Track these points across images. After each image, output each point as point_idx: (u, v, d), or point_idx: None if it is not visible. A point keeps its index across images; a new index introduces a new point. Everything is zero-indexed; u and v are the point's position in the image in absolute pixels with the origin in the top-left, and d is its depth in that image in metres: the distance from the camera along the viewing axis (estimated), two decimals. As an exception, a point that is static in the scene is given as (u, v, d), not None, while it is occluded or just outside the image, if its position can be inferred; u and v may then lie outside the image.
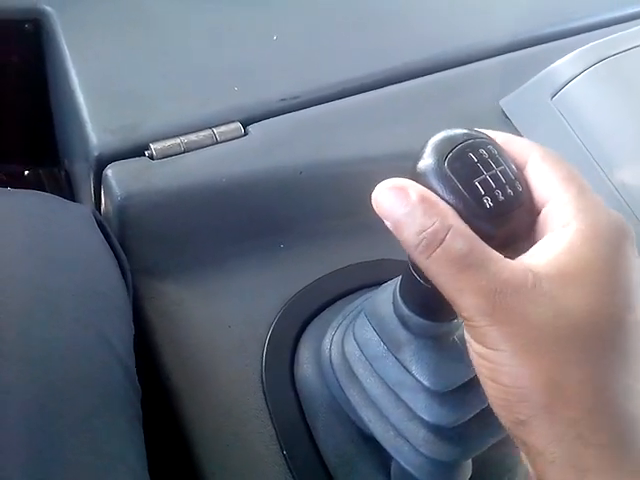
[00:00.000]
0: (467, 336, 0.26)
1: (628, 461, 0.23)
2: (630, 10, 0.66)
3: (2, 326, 0.33)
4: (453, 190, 0.25)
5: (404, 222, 0.25)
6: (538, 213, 0.27)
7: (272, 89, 0.51)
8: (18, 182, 0.77)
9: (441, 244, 0.24)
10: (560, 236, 0.25)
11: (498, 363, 0.24)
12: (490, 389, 0.25)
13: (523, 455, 0.26)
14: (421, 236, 0.25)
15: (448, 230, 0.24)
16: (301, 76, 0.53)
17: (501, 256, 0.25)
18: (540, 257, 0.25)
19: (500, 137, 0.28)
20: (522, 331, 0.24)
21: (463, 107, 0.55)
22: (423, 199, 0.25)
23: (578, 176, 0.26)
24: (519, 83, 0.56)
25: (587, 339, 0.24)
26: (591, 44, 0.54)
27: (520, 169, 0.27)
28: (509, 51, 0.60)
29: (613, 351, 0.24)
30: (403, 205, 0.25)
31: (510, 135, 0.28)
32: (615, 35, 0.55)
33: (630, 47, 0.53)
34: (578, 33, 0.63)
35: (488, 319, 0.24)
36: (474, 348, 0.25)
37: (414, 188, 0.25)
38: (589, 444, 0.23)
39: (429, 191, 0.25)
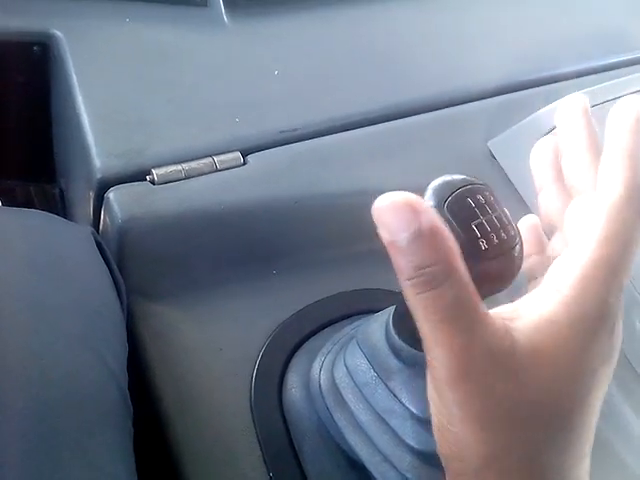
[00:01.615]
0: (428, 376, 0.25)
1: None
2: (619, 58, 0.69)
3: (6, 340, 0.34)
4: (451, 231, 0.26)
5: (406, 248, 0.22)
6: (550, 256, 0.27)
7: (272, 121, 0.53)
8: (9, 198, 0.77)
9: (436, 288, 0.22)
10: (549, 303, 0.24)
11: (446, 420, 0.24)
12: (435, 433, 0.25)
13: None
14: (420, 272, 0.22)
15: (449, 276, 0.22)
16: (300, 110, 0.55)
17: (487, 313, 0.23)
18: (522, 320, 0.24)
19: (609, 148, 0.26)
20: (479, 400, 0.23)
21: (452, 146, 0.57)
22: (434, 232, 0.22)
23: (619, 241, 0.24)
24: (507, 126, 0.58)
25: (541, 420, 0.23)
26: (579, 92, 0.56)
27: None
28: (499, 94, 0.62)
29: (562, 435, 0.24)
30: (411, 229, 0.22)
31: (618, 154, 0.25)
32: (601, 85, 0.58)
33: (615, 97, 0.56)
34: (566, 79, 0.65)
35: (451, 378, 0.23)
36: (430, 393, 0.25)
37: (427, 215, 0.22)
38: None
39: (440, 222, 0.23)
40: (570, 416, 0.24)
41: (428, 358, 0.24)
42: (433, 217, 0.22)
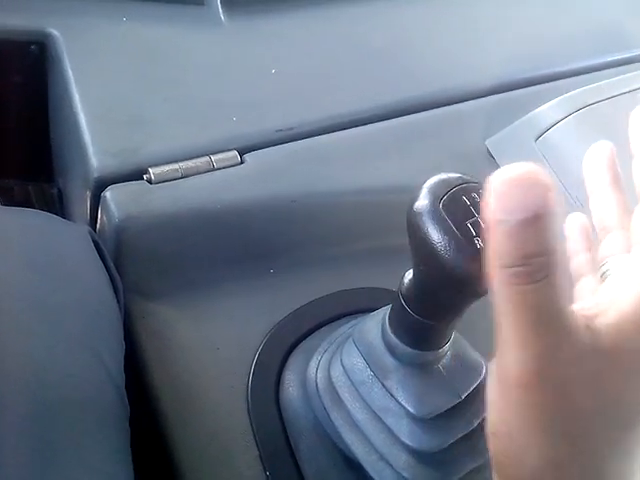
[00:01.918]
0: (493, 378, 0.23)
1: None
2: (617, 56, 0.69)
3: (4, 340, 0.34)
4: (446, 230, 0.26)
5: (520, 232, 0.19)
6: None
7: (269, 120, 0.53)
8: (7, 197, 0.77)
9: (539, 281, 0.20)
10: (632, 295, 0.22)
11: (509, 426, 0.22)
12: (490, 438, 0.24)
13: None
14: (527, 261, 0.19)
15: (554, 270, 0.20)
16: (297, 109, 0.55)
17: (573, 312, 0.21)
18: (604, 319, 0.22)
19: None
20: (555, 407, 0.21)
21: (450, 144, 0.57)
22: (552, 215, 0.19)
23: None
24: (505, 124, 0.58)
25: (613, 431, 0.22)
26: (575, 91, 0.56)
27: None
28: (496, 92, 0.62)
29: (627, 441, 0.22)
30: (534, 210, 0.19)
31: None
32: (599, 83, 0.58)
33: (612, 95, 0.56)
34: (563, 77, 0.65)
35: (528, 380, 0.21)
36: (492, 396, 0.23)
37: (552, 197, 0.19)
38: None
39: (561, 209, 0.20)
40: (634, 429, 0.22)
41: (501, 356, 0.22)
42: (557, 200, 0.19)
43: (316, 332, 0.45)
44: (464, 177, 0.28)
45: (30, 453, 0.31)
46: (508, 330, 0.21)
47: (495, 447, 0.24)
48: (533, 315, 0.20)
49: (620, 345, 0.21)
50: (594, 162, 0.32)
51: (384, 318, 0.35)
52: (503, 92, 0.62)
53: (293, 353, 0.45)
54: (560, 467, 0.22)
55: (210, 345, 0.45)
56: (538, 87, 0.63)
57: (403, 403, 0.33)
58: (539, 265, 0.19)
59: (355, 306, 0.47)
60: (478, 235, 0.26)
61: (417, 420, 0.33)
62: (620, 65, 0.67)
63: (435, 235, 0.26)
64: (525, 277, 0.20)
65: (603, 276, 0.27)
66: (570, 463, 0.22)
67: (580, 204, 0.52)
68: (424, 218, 0.27)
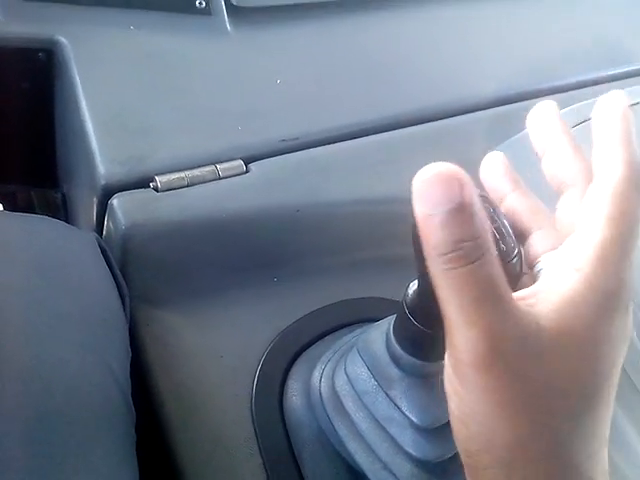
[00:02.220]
0: (448, 368, 0.25)
1: None
2: (620, 70, 0.70)
3: (7, 346, 0.34)
4: None
5: (446, 221, 0.22)
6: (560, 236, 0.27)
7: (274, 130, 0.54)
8: (10, 203, 0.78)
9: (472, 263, 0.22)
10: (569, 282, 0.24)
11: (470, 410, 0.23)
12: (455, 427, 0.25)
13: None
14: (458, 246, 0.22)
15: (484, 253, 0.22)
16: (302, 119, 0.55)
17: (513, 297, 0.23)
18: (545, 303, 0.24)
19: (601, 137, 0.26)
20: (509, 384, 0.23)
21: (453, 157, 0.57)
22: (472, 207, 0.22)
23: (632, 217, 0.24)
24: (505, 137, 0.59)
25: (569, 403, 0.23)
26: (576, 105, 0.57)
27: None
28: (499, 105, 0.62)
29: (588, 416, 0.24)
30: (455, 201, 0.21)
31: (612, 140, 0.26)
32: (598, 98, 0.58)
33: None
34: (564, 91, 0.66)
35: (480, 360, 0.22)
36: (451, 385, 0.24)
37: (469, 188, 0.22)
38: None
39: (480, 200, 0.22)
40: (595, 396, 0.24)
41: (451, 343, 0.23)
42: (475, 189, 0.22)
43: (320, 341, 0.46)
44: None
45: (34, 458, 0.31)
46: (453, 315, 0.23)
47: (461, 437, 0.24)
48: (475, 293, 0.22)
49: (563, 327, 0.23)
50: (492, 171, 0.32)
51: (389, 328, 0.35)
52: (504, 105, 0.62)
53: (297, 362, 0.45)
54: (527, 446, 0.23)
55: (214, 353, 0.45)
56: (539, 100, 0.63)
57: (407, 413, 0.34)
58: (471, 247, 0.22)
59: (359, 315, 0.47)
60: None
61: (421, 430, 0.33)
62: (621, 79, 0.68)
63: None
64: (461, 259, 0.22)
65: (537, 274, 0.27)
66: (535, 441, 0.23)
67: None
68: None
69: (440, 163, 0.22)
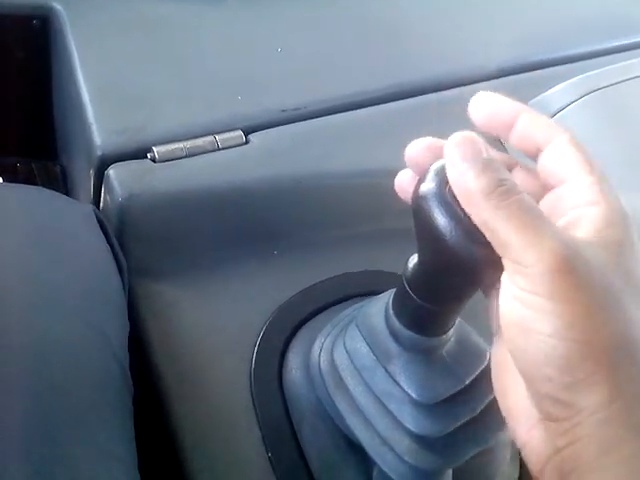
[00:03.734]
0: (519, 291, 0.25)
1: None
2: (628, 40, 0.68)
3: (7, 318, 0.34)
4: (453, 215, 0.26)
5: (482, 169, 0.25)
6: (548, 191, 0.28)
7: (274, 100, 0.53)
8: (11, 174, 0.77)
9: (519, 194, 0.25)
10: (593, 213, 0.25)
11: (563, 317, 0.23)
12: (545, 345, 0.24)
13: (552, 426, 0.25)
14: (501, 183, 0.25)
15: (521, 190, 0.25)
16: (303, 88, 0.54)
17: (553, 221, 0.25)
18: (582, 230, 0.25)
19: (527, 116, 0.28)
20: (592, 283, 0.23)
21: (458, 127, 0.56)
22: (498, 160, 0.26)
23: (598, 164, 0.27)
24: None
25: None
26: (584, 75, 0.56)
27: (539, 149, 0.28)
28: (506, 75, 0.61)
29: None
30: (480, 157, 0.26)
31: (539, 115, 0.29)
32: (607, 68, 0.57)
33: (621, 80, 0.55)
34: (572, 61, 0.64)
35: (559, 265, 0.23)
36: (529, 302, 0.24)
37: (485, 146, 0.26)
38: None
39: None
40: None
41: (516, 267, 0.24)
42: (491, 149, 0.27)
43: (320, 314, 0.45)
44: None
45: (31, 430, 0.31)
46: (516, 241, 0.24)
47: (554, 352, 0.24)
48: (530, 215, 0.24)
49: (609, 240, 0.25)
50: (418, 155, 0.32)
51: (388, 303, 0.34)
52: (513, 75, 0.61)
53: (297, 335, 0.44)
54: (627, 341, 0.24)
55: (213, 326, 0.45)
56: (547, 70, 0.62)
57: (406, 389, 0.33)
58: (512, 184, 0.25)
59: (359, 289, 0.47)
60: None
61: (420, 406, 0.33)
62: (631, 49, 0.67)
63: (441, 219, 0.26)
64: (509, 191, 0.25)
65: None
66: (633, 335, 0.24)
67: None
68: (430, 201, 0.26)
69: (455, 134, 0.27)
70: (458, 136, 0.27)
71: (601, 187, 0.26)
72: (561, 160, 0.27)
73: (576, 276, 0.23)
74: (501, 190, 0.25)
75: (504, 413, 0.28)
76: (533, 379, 0.25)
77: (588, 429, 0.23)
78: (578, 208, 0.26)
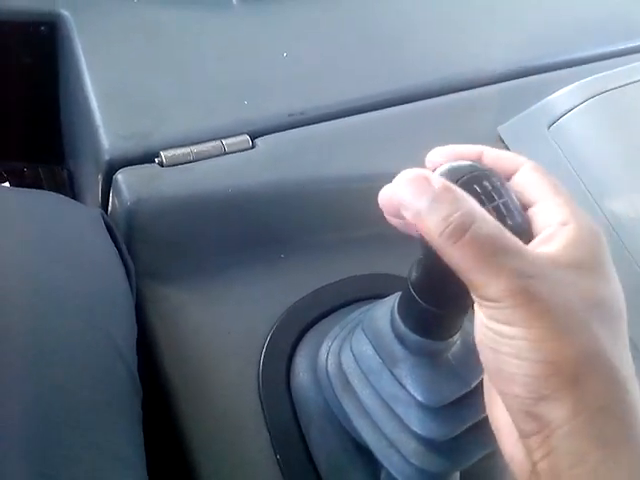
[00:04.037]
0: (483, 318, 0.26)
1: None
2: (630, 44, 0.68)
3: (10, 320, 0.34)
4: None
5: (429, 210, 0.26)
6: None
7: (280, 104, 0.53)
8: (18, 179, 0.78)
9: (469, 228, 0.25)
10: (563, 232, 0.26)
11: (525, 339, 0.25)
12: (512, 367, 0.25)
13: (508, 439, 0.27)
14: (448, 221, 0.25)
15: (475, 217, 0.25)
16: (308, 93, 0.54)
17: (519, 241, 0.26)
18: (552, 248, 0.26)
19: (491, 152, 0.30)
20: (551, 308, 0.24)
21: (462, 131, 0.57)
22: (447, 188, 0.26)
23: (564, 187, 0.29)
24: (518, 111, 0.58)
25: (608, 321, 0.25)
26: (589, 78, 0.56)
27: (508, 178, 0.29)
28: (509, 79, 0.61)
29: (619, 330, 0.26)
30: (427, 193, 0.26)
31: (501, 150, 0.30)
32: (612, 71, 0.57)
33: (626, 83, 0.55)
34: (578, 64, 0.64)
35: (519, 298, 0.24)
36: (495, 329, 0.26)
37: (437, 178, 0.26)
38: (611, 417, 0.24)
39: (450, 182, 0.26)
40: (618, 311, 0.26)
41: (483, 301, 0.26)
42: (442, 179, 0.27)
43: (327, 317, 0.46)
44: (475, 165, 0.28)
45: (36, 434, 0.31)
46: (477, 278, 0.25)
47: (519, 371, 0.25)
48: (486, 250, 0.25)
49: (573, 261, 0.26)
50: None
51: (393, 306, 0.35)
52: (516, 79, 0.61)
53: (304, 338, 0.45)
54: (589, 359, 0.25)
55: (221, 329, 0.45)
56: (551, 74, 0.62)
57: (412, 392, 0.33)
58: (460, 216, 0.25)
59: (366, 292, 0.47)
60: None
61: (426, 409, 0.33)
62: (635, 52, 0.67)
63: None
64: (456, 231, 0.25)
65: None
66: (596, 353, 0.25)
67: (592, 196, 0.52)
68: None
69: (401, 173, 0.27)
70: (407, 174, 0.27)
71: (570, 208, 0.27)
72: (529, 185, 0.28)
73: (536, 305, 0.25)
74: (452, 228, 0.25)
75: (493, 428, 0.29)
76: (505, 396, 0.26)
77: (556, 442, 0.24)
78: (550, 227, 0.27)
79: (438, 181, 0.26)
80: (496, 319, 0.25)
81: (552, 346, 0.24)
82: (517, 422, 0.26)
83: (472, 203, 0.26)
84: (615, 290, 0.27)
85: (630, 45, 0.67)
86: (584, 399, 0.24)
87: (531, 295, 0.24)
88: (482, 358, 0.27)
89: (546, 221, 0.27)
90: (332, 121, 0.54)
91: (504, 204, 0.27)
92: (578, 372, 0.24)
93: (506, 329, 0.25)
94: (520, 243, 0.26)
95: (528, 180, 0.29)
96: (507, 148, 0.57)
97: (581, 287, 0.25)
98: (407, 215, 0.27)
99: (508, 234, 0.26)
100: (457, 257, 0.26)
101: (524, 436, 0.26)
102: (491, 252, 0.25)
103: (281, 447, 0.41)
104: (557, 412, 0.24)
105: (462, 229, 0.25)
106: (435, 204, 0.26)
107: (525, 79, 0.61)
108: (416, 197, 0.26)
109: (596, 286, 0.26)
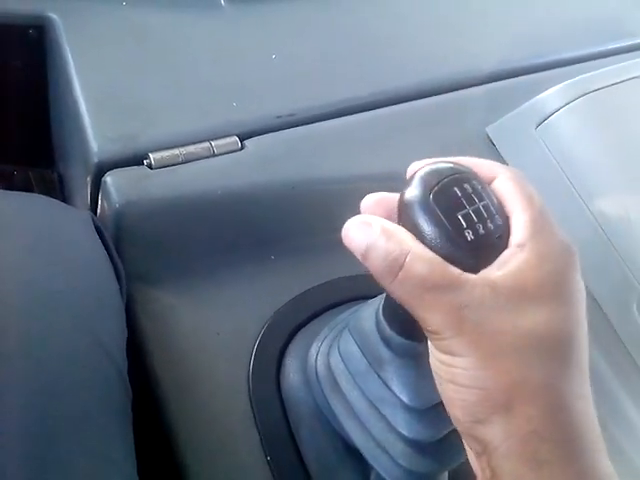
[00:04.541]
0: (431, 347, 0.28)
1: (582, 456, 0.26)
2: (618, 44, 0.69)
3: (2, 325, 0.34)
4: (436, 222, 0.26)
5: (370, 251, 0.28)
6: None
7: (269, 106, 0.53)
8: (7, 182, 0.77)
9: (402, 268, 0.27)
10: (516, 255, 0.27)
11: (463, 368, 0.26)
12: (451, 392, 0.27)
13: (472, 456, 0.28)
14: (386, 261, 0.27)
15: (407, 254, 0.27)
16: (297, 95, 0.55)
17: (460, 271, 0.27)
18: (499, 273, 0.27)
19: (470, 160, 0.30)
20: (486, 339, 0.26)
21: (451, 131, 0.57)
22: (384, 229, 0.28)
23: (538, 197, 0.29)
24: (506, 111, 0.58)
25: (545, 348, 0.26)
26: (576, 78, 0.56)
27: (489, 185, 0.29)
28: (498, 79, 0.61)
29: (565, 360, 0.27)
30: (369, 236, 0.28)
31: (479, 159, 0.31)
32: (599, 71, 0.57)
33: (613, 83, 0.56)
34: (565, 65, 0.65)
35: (454, 331, 0.26)
36: (437, 357, 0.28)
37: (377, 221, 0.28)
38: (544, 439, 0.25)
39: (389, 222, 0.28)
40: (571, 341, 0.27)
41: (429, 333, 0.27)
42: (381, 220, 0.28)
43: (317, 319, 0.46)
44: (456, 167, 0.28)
45: (27, 438, 0.31)
46: (416, 311, 0.27)
47: (456, 395, 0.27)
48: (421, 287, 0.26)
49: (517, 287, 0.26)
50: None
51: (378, 308, 0.35)
52: (504, 79, 0.62)
53: (294, 339, 0.45)
54: (521, 386, 0.26)
55: (211, 331, 0.45)
56: (539, 74, 0.63)
57: (398, 394, 0.33)
58: (394, 258, 0.27)
59: (356, 293, 0.47)
60: (468, 227, 0.26)
61: (412, 411, 0.33)
62: (621, 53, 0.67)
63: (425, 226, 0.27)
64: (392, 270, 0.27)
65: None
66: (528, 381, 0.26)
67: (579, 195, 0.53)
68: (414, 209, 0.27)
69: (352, 219, 0.30)
70: (352, 220, 0.29)
71: (533, 227, 0.27)
72: (504, 195, 0.29)
73: (469, 335, 0.26)
74: (389, 267, 0.27)
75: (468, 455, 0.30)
76: (453, 420, 0.28)
77: (496, 462, 0.26)
78: (508, 249, 0.27)
79: (377, 224, 0.28)
80: (438, 348, 0.27)
81: (484, 374, 0.26)
82: (466, 442, 0.28)
83: (405, 238, 0.27)
84: (566, 316, 0.27)
85: (616, 45, 0.68)
86: (517, 423, 0.26)
87: (465, 326, 0.26)
88: (435, 382, 0.29)
89: (511, 239, 0.28)
90: (321, 122, 0.54)
91: (484, 207, 0.27)
92: (511, 397, 0.26)
93: (446, 358, 0.27)
94: (457, 272, 0.26)
95: (503, 190, 0.29)
96: (495, 148, 0.57)
97: (519, 314, 0.26)
98: (356, 255, 0.29)
99: (443, 266, 0.26)
100: (397, 294, 0.28)
101: (474, 454, 0.28)
102: (425, 288, 0.26)
103: (271, 448, 0.41)
104: (493, 434, 0.26)
105: (396, 267, 0.27)
106: (375, 246, 0.28)
107: (513, 79, 0.62)
108: (361, 241, 0.28)
109: (540, 313, 0.26)
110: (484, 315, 0.26)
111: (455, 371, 0.27)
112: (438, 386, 0.28)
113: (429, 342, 0.28)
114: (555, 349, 0.26)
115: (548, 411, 0.26)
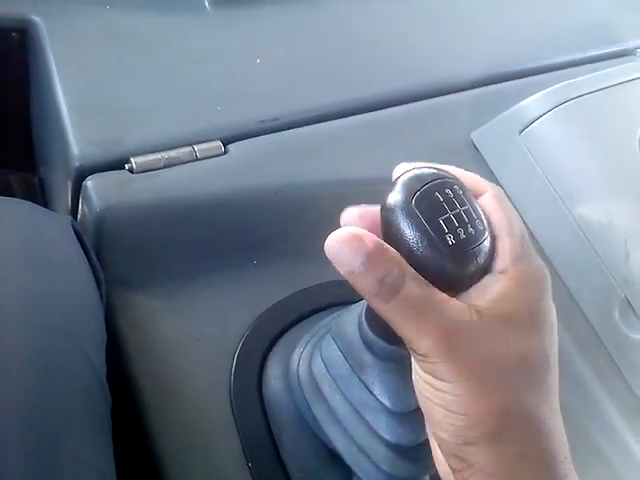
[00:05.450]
0: (416, 367, 0.28)
1: (560, 468, 0.27)
2: (603, 50, 0.70)
3: None
4: (418, 227, 0.26)
5: (362, 270, 0.26)
6: None
7: (253, 110, 0.53)
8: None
9: (401, 290, 0.26)
10: (498, 281, 0.28)
11: (451, 393, 0.26)
12: (440, 415, 0.27)
13: (456, 474, 0.28)
14: (383, 284, 0.26)
15: (405, 276, 0.26)
16: (281, 99, 0.54)
17: (447, 297, 0.27)
18: (482, 299, 0.27)
19: (454, 171, 0.30)
20: (474, 366, 0.26)
21: (436, 137, 0.57)
22: (380, 248, 0.26)
23: (519, 219, 0.29)
24: (490, 117, 0.58)
25: (527, 373, 0.27)
26: (560, 85, 0.56)
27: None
28: (482, 85, 0.62)
29: (544, 382, 0.27)
30: (361, 254, 0.26)
31: (468, 172, 0.31)
32: (582, 77, 0.58)
33: (596, 89, 0.56)
34: (548, 71, 0.65)
35: (444, 357, 0.26)
36: (424, 378, 0.27)
37: (369, 237, 0.27)
38: (526, 459, 0.26)
39: (381, 240, 0.27)
40: (543, 370, 0.27)
41: (416, 355, 0.27)
42: (373, 236, 0.27)
43: (299, 324, 0.45)
44: (438, 172, 0.28)
45: (10, 442, 0.31)
46: (408, 334, 0.27)
47: (444, 419, 0.27)
48: (415, 310, 0.26)
49: (500, 314, 0.27)
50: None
51: (360, 313, 0.35)
52: (488, 85, 0.62)
53: (276, 345, 0.44)
54: (508, 409, 0.26)
55: (192, 337, 0.45)
56: (523, 80, 0.63)
57: (380, 398, 0.33)
58: (393, 279, 0.26)
59: (339, 298, 0.47)
60: (450, 232, 0.26)
61: (394, 415, 0.33)
62: (605, 59, 0.68)
63: (407, 231, 0.26)
64: (390, 293, 0.26)
65: None
66: (513, 406, 0.27)
67: (562, 200, 0.53)
68: (396, 214, 0.27)
69: (337, 230, 0.27)
70: (341, 233, 0.27)
71: (514, 253, 0.28)
72: (490, 214, 0.29)
73: (457, 361, 0.26)
74: (386, 290, 0.26)
75: (435, 461, 0.31)
76: (436, 438, 0.28)
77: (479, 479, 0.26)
78: (490, 274, 0.28)
79: (370, 240, 0.26)
80: (425, 370, 0.27)
81: (473, 401, 0.26)
82: (446, 459, 0.28)
83: (401, 259, 0.27)
84: (545, 343, 0.28)
85: (599, 52, 0.69)
86: (504, 446, 0.26)
87: (453, 352, 0.26)
88: (419, 401, 0.29)
89: (492, 266, 0.28)
90: (305, 127, 0.54)
91: (465, 212, 0.27)
92: (502, 423, 0.26)
93: (434, 381, 0.27)
94: (446, 299, 0.27)
95: (488, 209, 0.29)
96: (480, 154, 0.57)
97: (504, 341, 0.27)
98: (341, 271, 0.27)
99: (436, 292, 0.27)
100: (389, 315, 0.27)
101: (453, 471, 0.28)
102: (419, 312, 0.26)
103: (253, 454, 0.40)
104: (478, 456, 0.26)
105: (393, 290, 0.26)
106: (369, 265, 0.26)
107: (497, 85, 0.62)
108: (351, 257, 0.26)
109: (522, 340, 0.27)
110: (472, 342, 0.26)
111: (446, 397, 0.26)
112: (422, 405, 0.28)
113: (413, 361, 0.28)
114: (535, 373, 0.27)
115: (535, 433, 0.26)
